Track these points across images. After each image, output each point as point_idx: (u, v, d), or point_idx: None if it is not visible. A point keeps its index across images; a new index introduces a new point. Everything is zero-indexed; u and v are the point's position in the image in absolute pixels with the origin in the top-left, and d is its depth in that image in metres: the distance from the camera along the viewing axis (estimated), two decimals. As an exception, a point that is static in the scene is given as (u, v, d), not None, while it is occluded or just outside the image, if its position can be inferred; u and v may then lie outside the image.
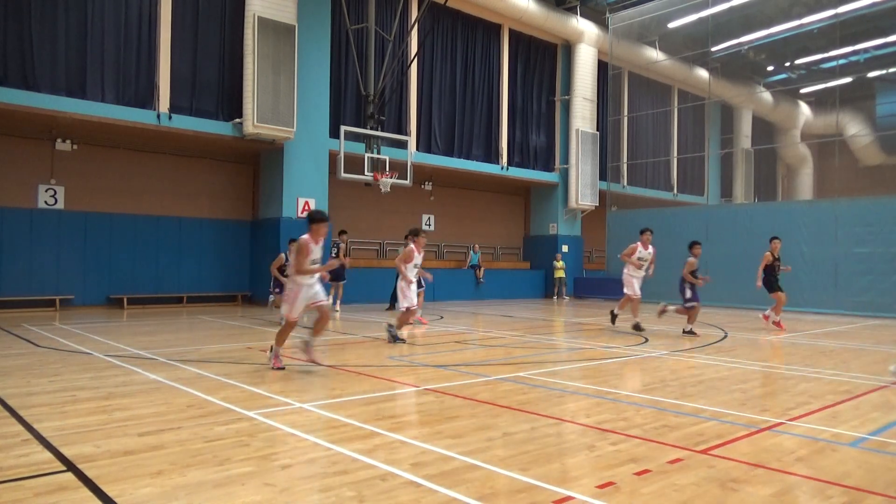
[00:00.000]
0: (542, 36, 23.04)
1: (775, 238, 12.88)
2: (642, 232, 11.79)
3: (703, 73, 26.10)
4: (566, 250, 23.51)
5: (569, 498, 3.37)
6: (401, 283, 9.91)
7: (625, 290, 11.77)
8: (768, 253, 12.63)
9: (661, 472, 3.79)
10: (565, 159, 23.82)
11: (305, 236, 7.08)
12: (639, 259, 11.58)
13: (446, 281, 20.49)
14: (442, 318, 14.39)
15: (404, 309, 9.81)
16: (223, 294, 17.26)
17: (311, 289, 7.28)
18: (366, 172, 16.80)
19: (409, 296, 9.81)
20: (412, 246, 9.95)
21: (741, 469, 3.89)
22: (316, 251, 7.19)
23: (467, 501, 3.29)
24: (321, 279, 7.85)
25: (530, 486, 3.54)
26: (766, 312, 12.98)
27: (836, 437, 4.67)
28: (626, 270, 11.77)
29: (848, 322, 14.97)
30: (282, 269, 11.92)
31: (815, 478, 3.77)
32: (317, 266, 7.25)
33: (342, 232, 15.02)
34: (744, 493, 3.49)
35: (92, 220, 15.40)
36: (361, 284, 18.64)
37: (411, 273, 9.85)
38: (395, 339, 9.63)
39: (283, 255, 11.85)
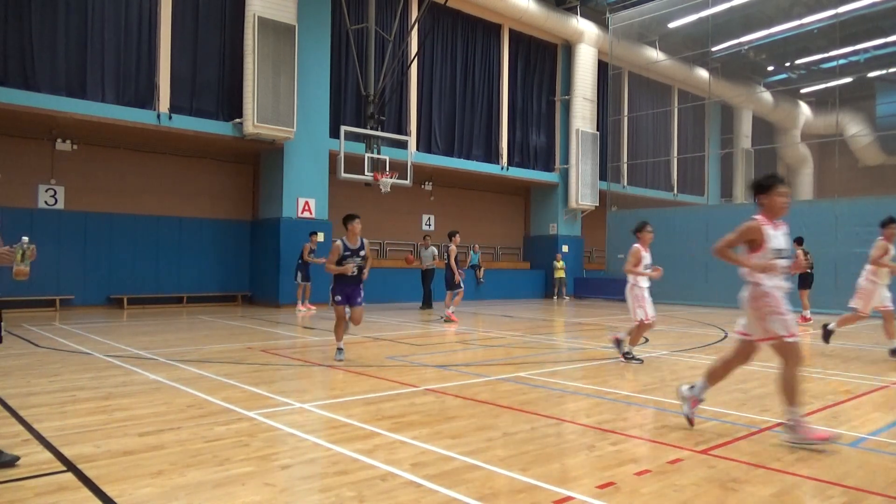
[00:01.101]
0: (542, 36, 23.04)
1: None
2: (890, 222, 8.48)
3: (703, 73, 26.10)
4: (566, 250, 23.50)
5: (569, 498, 3.37)
6: (633, 291, 8.04)
7: (853, 303, 8.91)
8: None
9: (661, 472, 3.79)
10: (565, 159, 23.82)
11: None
12: None
13: (439, 281, 20.49)
14: (441, 318, 14.39)
15: (638, 322, 8.00)
16: (223, 294, 17.25)
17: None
18: (366, 172, 16.79)
19: (645, 305, 7.97)
20: (637, 245, 7.93)
21: (741, 469, 3.89)
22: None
23: (467, 501, 3.29)
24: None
25: (530, 486, 3.54)
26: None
27: (836, 438, 4.67)
28: (868, 276, 8.76)
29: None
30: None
31: (815, 478, 3.77)
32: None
33: (313, 233, 15.70)
34: (744, 493, 3.49)
35: (92, 220, 15.40)
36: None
37: (644, 280, 8.03)
38: (628, 357, 8.03)
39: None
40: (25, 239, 3.64)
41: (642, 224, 7.97)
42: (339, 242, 7.74)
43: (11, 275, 3.66)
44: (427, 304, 17.12)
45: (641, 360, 8.03)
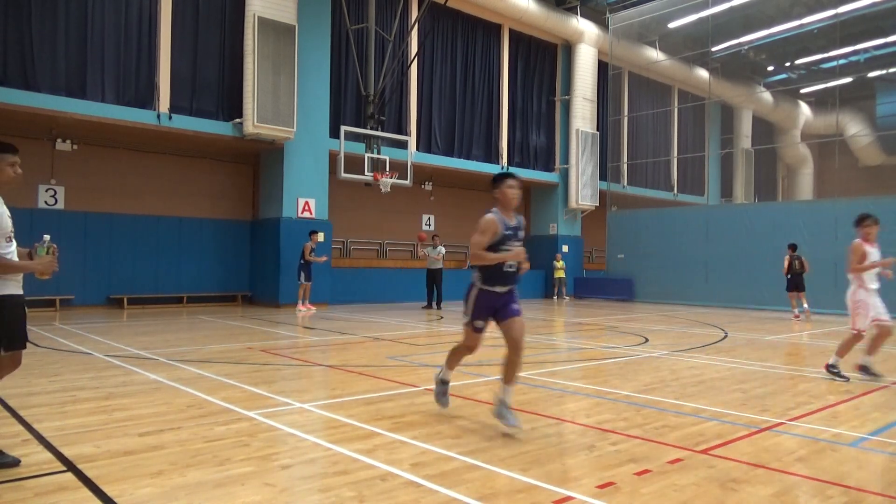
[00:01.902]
0: (542, 36, 23.03)
1: None
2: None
3: (703, 73, 26.10)
4: (566, 250, 23.50)
5: (569, 498, 3.37)
6: (856, 295, 6.95)
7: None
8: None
9: (661, 472, 3.79)
10: (565, 159, 23.82)
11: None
12: None
13: (446, 281, 20.49)
14: (442, 318, 14.39)
15: (855, 332, 6.96)
16: (223, 294, 17.24)
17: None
18: (366, 172, 16.79)
19: (869, 311, 6.87)
20: (858, 240, 6.95)
21: (741, 469, 3.89)
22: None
23: (467, 501, 3.29)
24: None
25: (530, 486, 3.54)
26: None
27: (836, 437, 4.67)
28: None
29: (848, 322, 14.94)
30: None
31: (815, 478, 3.77)
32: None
33: (313, 232, 15.53)
34: (744, 493, 3.49)
35: (92, 220, 15.40)
36: (361, 285, 18.65)
37: (871, 280, 6.91)
38: (834, 371, 6.96)
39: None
40: (47, 237, 3.81)
41: (863, 216, 7.04)
42: (492, 216, 4.70)
43: (35, 273, 3.76)
44: (437, 303, 16.87)
45: (847, 378, 6.84)
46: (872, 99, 31.31)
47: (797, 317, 15.64)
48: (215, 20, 15.81)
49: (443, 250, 17.05)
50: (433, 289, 16.94)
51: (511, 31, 22.22)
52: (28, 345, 3.86)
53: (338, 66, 17.87)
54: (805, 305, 15.68)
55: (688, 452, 4.19)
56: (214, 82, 15.78)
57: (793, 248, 15.79)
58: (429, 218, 22.17)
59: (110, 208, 15.72)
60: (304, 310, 15.35)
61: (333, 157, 16.66)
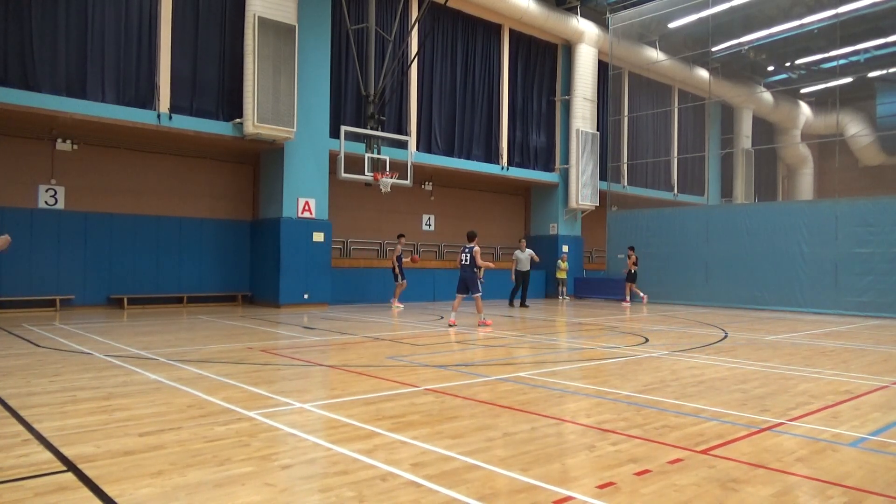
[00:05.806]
0: (542, 36, 23.03)
1: None
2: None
3: (703, 73, 26.10)
4: (566, 250, 23.48)
5: (569, 498, 3.37)
6: None
7: None
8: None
9: (661, 473, 3.79)
10: (565, 159, 23.82)
11: None
12: None
13: (446, 281, 20.46)
14: (442, 317, 14.40)
15: None
16: (223, 294, 17.24)
17: None
18: (366, 172, 16.80)
19: None
20: None
21: (741, 469, 3.89)
22: None
23: (467, 501, 3.29)
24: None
25: (530, 486, 3.54)
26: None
27: (837, 438, 4.67)
28: None
29: (848, 322, 14.97)
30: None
31: (816, 478, 3.77)
32: None
33: (400, 235, 17.00)
34: (744, 493, 3.49)
35: (92, 220, 15.40)
36: (361, 285, 18.65)
37: None
38: None
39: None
40: None
41: None
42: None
43: None
44: (522, 301, 18.29)
45: None
46: (872, 99, 31.31)
47: (643, 301, 19.64)
48: (215, 20, 15.81)
49: (532, 252, 18.22)
50: (519, 288, 18.35)
51: (511, 31, 22.21)
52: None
53: (338, 66, 17.87)
54: (641, 294, 19.90)
55: (688, 452, 4.19)
56: (214, 82, 15.78)
57: (632, 248, 19.92)
58: (429, 218, 22.17)
59: (110, 208, 15.72)
60: (397, 306, 16.75)
61: (333, 157, 16.67)
